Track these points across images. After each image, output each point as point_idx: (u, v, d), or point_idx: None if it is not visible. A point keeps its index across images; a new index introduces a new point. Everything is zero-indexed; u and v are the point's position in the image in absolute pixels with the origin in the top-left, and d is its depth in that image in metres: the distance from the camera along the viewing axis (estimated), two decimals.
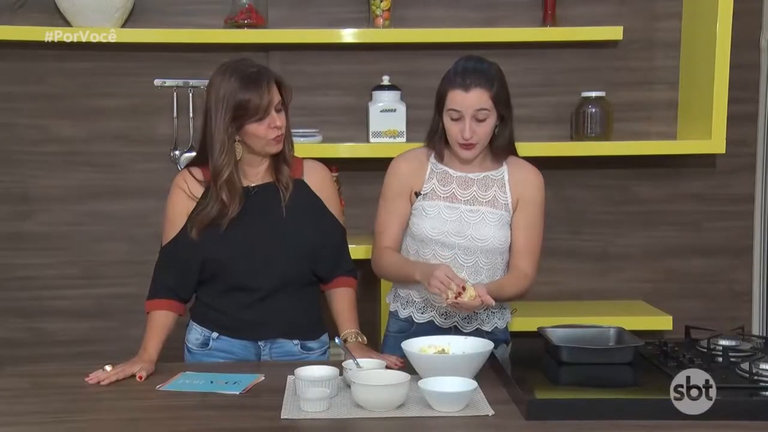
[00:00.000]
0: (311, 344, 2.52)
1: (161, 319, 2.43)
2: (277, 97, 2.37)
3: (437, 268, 2.30)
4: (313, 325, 2.54)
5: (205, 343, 2.49)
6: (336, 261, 2.52)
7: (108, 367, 2.26)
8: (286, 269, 2.44)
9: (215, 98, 2.35)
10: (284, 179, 2.45)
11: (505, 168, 2.54)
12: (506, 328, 2.63)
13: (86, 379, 2.24)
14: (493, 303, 2.32)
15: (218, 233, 2.39)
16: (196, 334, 2.50)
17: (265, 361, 2.47)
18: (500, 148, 2.51)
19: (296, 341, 2.49)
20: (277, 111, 2.37)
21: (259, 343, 2.47)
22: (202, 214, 2.39)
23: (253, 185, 2.45)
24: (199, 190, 2.43)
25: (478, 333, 2.51)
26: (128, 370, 2.27)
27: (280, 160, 2.45)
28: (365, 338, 2.48)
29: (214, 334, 2.48)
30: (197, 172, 2.46)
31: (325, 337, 2.56)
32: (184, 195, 2.44)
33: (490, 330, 2.56)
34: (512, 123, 2.51)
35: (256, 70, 2.38)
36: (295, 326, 2.49)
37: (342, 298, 2.52)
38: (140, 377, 2.25)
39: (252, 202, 2.42)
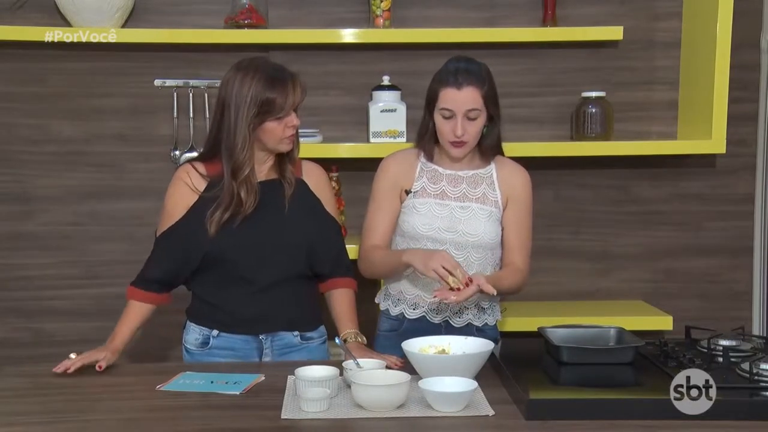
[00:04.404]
0: (310, 334, 2.54)
1: (138, 311, 2.48)
2: (298, 97, 2.41)
3: (436, 254, 2.33)
4: (311, 317, 2.56)
5: (205, 342, 2.49)
6: (335, 261, 2.55)
7: (73, 355, 2.32)
8: (285, 263, 2.46)
9: (237, 96, 2.36)
10: (288, 176, 2.48)
11: (493, 167, 2.59)
12: (496, 326, 2.66)
13: (54, 369, 2.29)
14: (494, 292, 2.33)
15: (226, 227, 2.40)
16: (194, 334, 2.51)
17: (266, 354, 2.49)
18: (489, 148, 2.56)
19: (296, 333, 2.51)
20: (294, 110, 2.41)
21: (260, 336, 2.49)
22: (219, 212, 2.39)
23: (258, 181, 2.46)
24: (202, 184, 2.45)
25: (468, 328, 2.54)
26: (93, 357, 2.32)
27: (285, 157, 2.48)
28: (365, 338, 2.49)
29: (214, 332, 2.48)
30: (200, 166, 2.47)
31: (322, 329, 2.59)
32: (187, 188, 2.45)
33: (480, 326, 2.59)
34: (500, 123, 2.54)
35: (279, 68, 2.42)
36: (293, 319, 2.51)
37: (342, 300, 2.54)
38: (100, 367, 2.31)
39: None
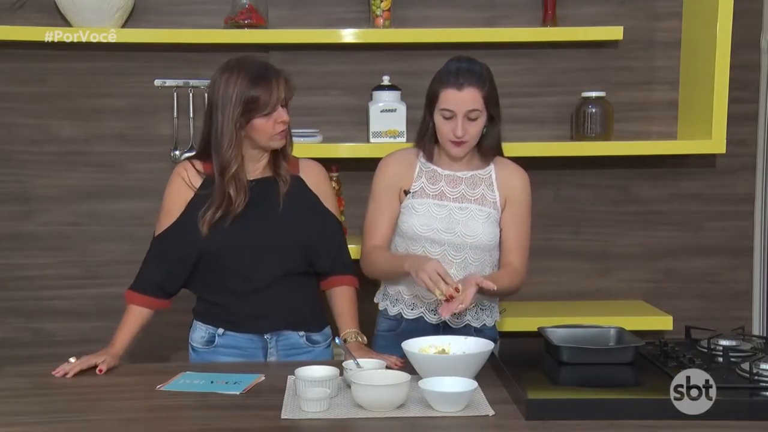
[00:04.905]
0: (316, 337, 2.55)
1: (137, 315, 2.48)
2: (283, 93, 2.41)
3: (428, 262, 2.33)
4: (316, 316, 2.57)
5: (210, 341, 2.50)
6: (335, 258, 2.55)
7: (72, 359, 2.32)
8: (281, 261, 2.46)
9: (223, 95, 2.38)
10: (283, 173, 2.49)
11: (492, 167, 2.59)
12: (494, 326, 2.66)
13: (53, 372, 2.29)
14: (494, 287, 2.33)
15: (221, 227, 2.41)
16: (200, 332, 2.52)
17: (271, 354, 2.50)
18: (488, 148, 2.56)
19: (301, 333, 2.52)
20: (283, 106, 2.42)
21: (265, 336, 2.49)
22: (211, 211, 2.40)
23: (252, 179, 2.47)
24: (198, 180, 2.46)
25: (466, 329, 2.54)
26: (92, 361, 2.33)
27: (279, 155, 2.49)
28: (365, 338, 2.50)
29: (220, 330, 2.49)
30: (198, 164, 2.49)
31: (327, 330, 2.59)
32: (184, 184, 2.46)
33: (478, 327, 2.59)
34: (500, 123, 2.54)
35: (264, 66, 2.43)
36: (298, 317, 2.52)
37: (343, 298, 2.55)
38: (100, 370, 2.31)
39: (251, 195, 2.45)
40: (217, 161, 2.41)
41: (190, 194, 2.45)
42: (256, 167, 2.48)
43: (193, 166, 2.48)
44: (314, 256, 2.51)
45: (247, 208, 2.43)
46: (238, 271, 2.45)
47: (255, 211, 2.44)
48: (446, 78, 2.45)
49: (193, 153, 3.19)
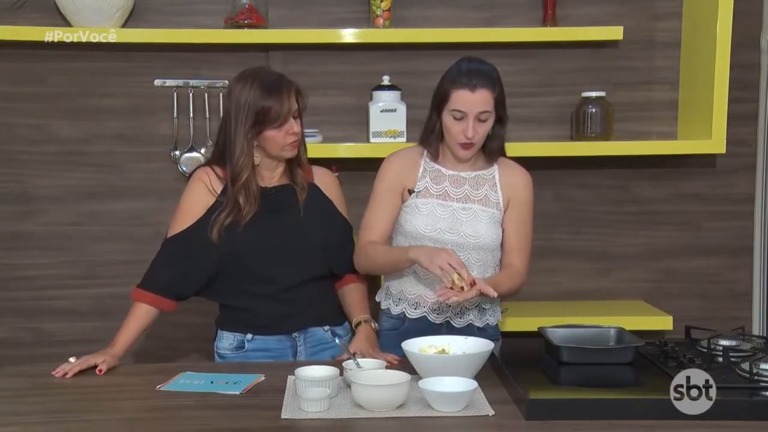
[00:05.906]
0: (339, 330, 2.59)
1: (142, 314, 2.48)
2: (295, 105, 2.45)
3: (444, 250, 2.34)
4: (336, 312, 2.62)
5: (239, 346, 2.53)
6: (350, 260, 2.60)
7: (72, 359, 2.33)
8: (305, 264, 2.51)
9: (236, 105, 2.43)
10: (300, 180, 2.54)
11: (495, 168, 2.59)
12: (497, 325, 2.66)
13: (53, 372, 2.29)
14: (495, 294, 2.32)
15: (237, 232, 2.44)
16: (228, 340, 2.54)
17: (300, 353, 2.53)
18: (494, 149, 2.56)
19: (326, 327, 2.56)
20: (294, 118, 2.45)
21: (293, 335, 2.52)
22: (221, 217, 2.44)
23: (270, 186, 2.52)
24: (219, 186, 2.50)
25: (469, 328, 2.55)
26: (91, 361, 2.33)
27: (295, 163, 2.54)
28: (377, 325, 2.56)
29: (248, 336, 2.52)
30: (218, 169, 2.52)
31: (347, 325, 2.63)
32: (205, 188, 2.50)
33: (481, 326, 2.59)
34: (506, 125, 2.54)
35: (277, 78, 2.47)
36: (321, 313, 2.57)
37: (356, 290, 2.62)
38: (100, 370, 2.32)
39: (271, 202, 2.49)
40: (229, 169, 2.45)
41: (211, 200, 2.49)
42: (273, 175, 2.53)
43: (214, 171, 2.51)
44: (333, 259, 2.57)
45: (269, 214, 2.47)
46: (263, 275, 2.48)
47: (276, 217, 2.49)
48: (458, 78, 2.44)
49: (194, 153, 3.25)
